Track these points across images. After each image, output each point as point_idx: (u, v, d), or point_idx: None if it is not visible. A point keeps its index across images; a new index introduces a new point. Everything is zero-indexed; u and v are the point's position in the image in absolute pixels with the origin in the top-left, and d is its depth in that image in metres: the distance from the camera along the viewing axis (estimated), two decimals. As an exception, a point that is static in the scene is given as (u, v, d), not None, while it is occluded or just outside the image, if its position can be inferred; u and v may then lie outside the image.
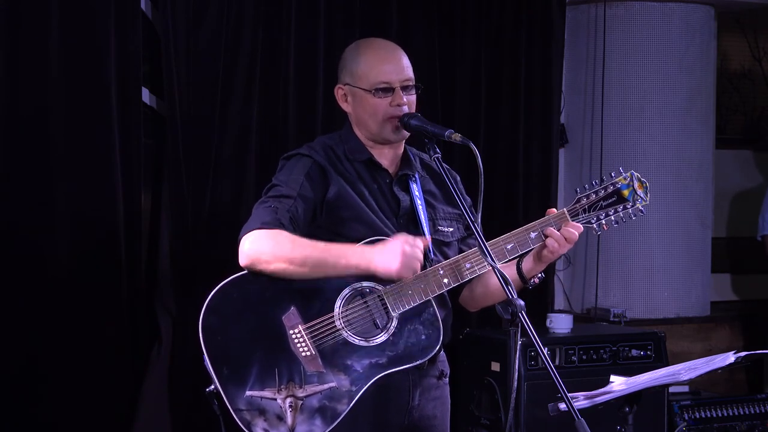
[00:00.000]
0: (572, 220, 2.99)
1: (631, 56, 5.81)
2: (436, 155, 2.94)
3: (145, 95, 4.75)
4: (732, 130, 6.89)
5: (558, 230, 2.96)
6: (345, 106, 3.11)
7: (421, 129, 2.97)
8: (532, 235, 2.97)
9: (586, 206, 3.02)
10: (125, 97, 4.57)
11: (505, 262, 2.98)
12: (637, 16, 5.81)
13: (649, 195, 3.05)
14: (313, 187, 2.98)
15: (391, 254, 2.84)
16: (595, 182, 3.05)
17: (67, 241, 4.48)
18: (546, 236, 2.95)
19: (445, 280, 2.94)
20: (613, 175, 3.05)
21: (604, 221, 3.02)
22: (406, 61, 3.06)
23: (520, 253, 2.98)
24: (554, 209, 3.03)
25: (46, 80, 4.43)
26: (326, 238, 2.95)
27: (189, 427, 4.69)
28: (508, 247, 2.97)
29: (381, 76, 3.01)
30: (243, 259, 2.88)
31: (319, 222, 2.98)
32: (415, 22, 5.34)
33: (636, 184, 3.04)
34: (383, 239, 2.93)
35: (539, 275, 3.05)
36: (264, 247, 2.85)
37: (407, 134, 3.05)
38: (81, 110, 4.50)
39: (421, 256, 2.88)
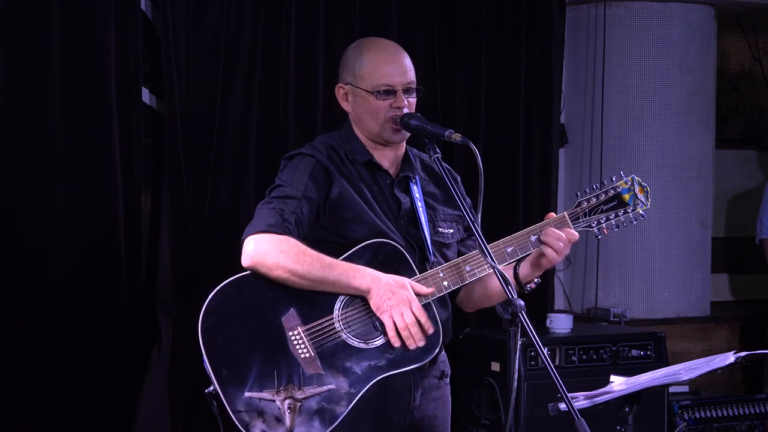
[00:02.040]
0: (572, 224, 3.00)
1: (631, 56, 5.80)
2: (436, 155, 2.94)
3: (145, 95, 4.75)
4: (732, 130, 6.89)
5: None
6: (345, 106, 3.11)
7: (420, 129, 2.96)
8: (533, 238, 2.97)
9: (587, 210, 3.02)
10: (125, 97, 4.57)
11: (505, 265, 2.98)
12: (637, 16, 5.81)
13: (650, 199, 3.05)
14: (317, 187, 2.97)
15: (391, 296, 2.82)
16: (596, 186, 3.05)
17: (67, 241, 4.48)
18: (544, 243, 2.95)
19: (445, 283, 2.93)
20: (614, 179, 3.05)
21: (604, 225, 3.02)
22: (408, 64, 3.06)
23: (520, 256, 2.98)
24: (553, 213, 3.03)
25: (46, 80, 4.43)
26: (330, 238, 2.95)
27: (189, 427, 4.70)
28: (508, 250, 2.96)
29: (383, 79, 3.01)
30: (246, 260, 2.86)
31: (323, 222, 2.98)
32: (415, 22, 5.34)
33: (637, 189, 3.04)
34: (386, 242, 2.93)
35: (536, 280, 3.04)
36: (269, 253, 2.84)
37: (407, 135, 3.04)
38: (81, 110, 4.50)
39: (413, 321, 2.83)
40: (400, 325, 2.82)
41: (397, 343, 2.84)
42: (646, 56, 5.79)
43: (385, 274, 2.86)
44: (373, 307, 2.84)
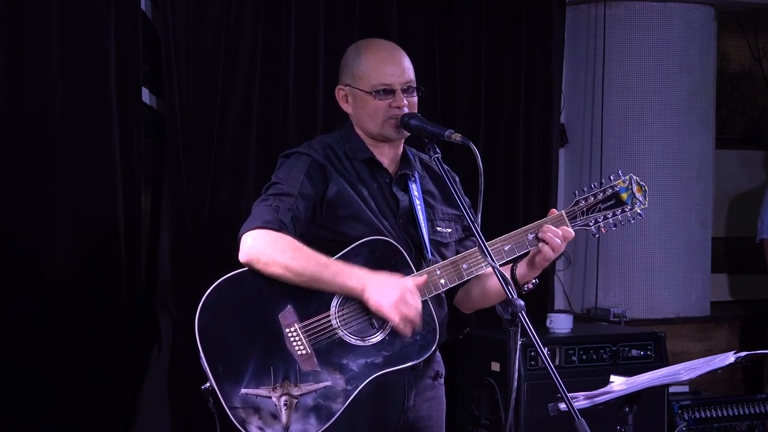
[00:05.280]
0: (570, 223, 3.00)
1: (631, 56, 5.80)
2: (436, 155, 2.94)
3: (145, 95, 4.75)
4: (732, 130, 6.89)
5: None
6: (345, 107, 3.11)
7: (420, 129, 2.97)
8: (530, 236, 2.97)
9: (585, 209, 3.02)
10: (125, 97, 4.57)
11: (503, 264, 2.97)
12: (637, 16, 5.81)
13: (647, 199, 3.06)
14: (313, 185, 2.97)
15: (388, 292, 2.81)
16: (594, 185, 3.05)
17: (67, 241, 4.48)
18: (541, 240, 2.95)
19: (442, 281, 2.94)
20: (612, 178, 3.05)
21: (602, 224, 3.03)
22: (407, 63, 3.06)
23: (518, 254, 2.98)
24: (555, 210, 3.03)
25: (46, 80, 4.43)
26: (327, 236, 2.95)
27: (189, 427, 4.69)
28: (506, 248, 2.97)
29: (382, 78, 3.01)
30: (243, 256, 2.88)
31: (320, 221, 2.98)
32: (415, 23, 5.34)
33: (635, 188, 3.05)
34: (383, 239, 2.93)
35: (533, 281, 3.04)
36: (264, 249, 2.85)
37: (407, 133, 3.05)
38: (81, 110, 4.50)
39: (418, 310, 2.83)
40: (411, 316, 2.81)
41: (408, 333, 2.83)
42: (646, 56, 5.79)
43: (378, 274, 2.85)
44: (374, 307, 2.83)
